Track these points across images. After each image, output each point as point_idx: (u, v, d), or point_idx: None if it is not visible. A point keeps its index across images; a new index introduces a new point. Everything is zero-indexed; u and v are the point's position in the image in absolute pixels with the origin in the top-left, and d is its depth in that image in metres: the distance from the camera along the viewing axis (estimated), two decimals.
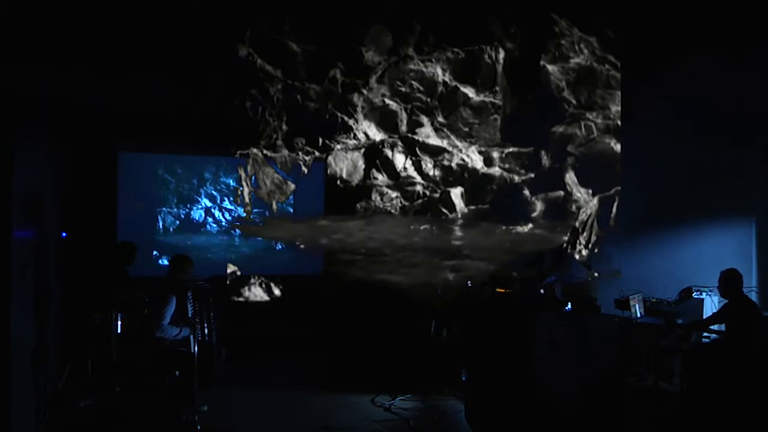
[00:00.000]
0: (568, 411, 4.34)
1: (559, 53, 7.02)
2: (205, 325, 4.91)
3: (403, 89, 7.20)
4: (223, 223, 8.43)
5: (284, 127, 7.20)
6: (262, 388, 5.95)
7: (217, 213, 8.38)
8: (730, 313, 4.81)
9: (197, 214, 8.27)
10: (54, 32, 4.57)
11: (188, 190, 8.20)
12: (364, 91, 7.08)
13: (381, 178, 7.76)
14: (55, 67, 5.20)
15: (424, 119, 7.43)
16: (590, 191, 7.31)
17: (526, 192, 7.43)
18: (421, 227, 7.32)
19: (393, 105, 7.31)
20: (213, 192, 8.39)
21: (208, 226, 8.34)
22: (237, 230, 8.36)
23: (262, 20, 5.76)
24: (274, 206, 8.08)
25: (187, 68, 5.52)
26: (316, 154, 7.61)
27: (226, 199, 8.34)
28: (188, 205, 8.22)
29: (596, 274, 6.54)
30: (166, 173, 8.07)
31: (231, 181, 8.25)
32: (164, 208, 8.07)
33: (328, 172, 7.86)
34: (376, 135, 7.49)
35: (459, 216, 7.47)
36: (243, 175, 7.90)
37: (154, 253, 7.88)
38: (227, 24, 4.98)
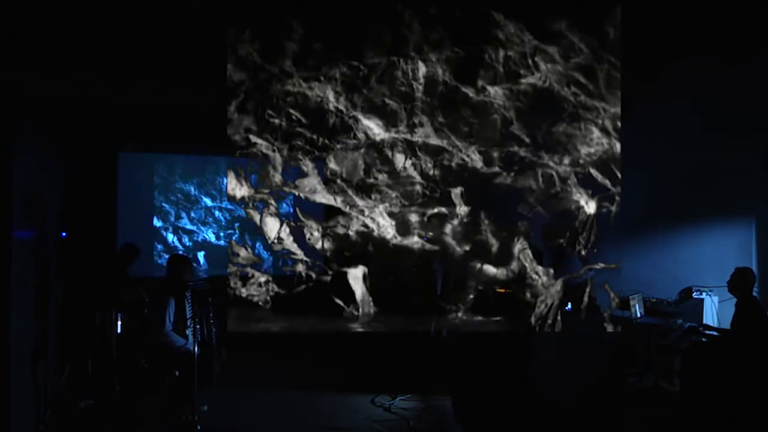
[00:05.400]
0: (567, 411, 4.34)
1: (560, 53, 6.90)
2: (205, 325, 4.91)
3: (403, 89, 7.10)
4: (223, 223, 8.43)
5: (284, 126, 7.19)
6: (262, 388, 5.95)
7: (217, 213, 8.39)
8: (736, 312, 4.81)
9: (197, 213, 8.27)
10: (54, 32, 4.57)
11: (188, 190, 8.21)
12: (364, 91, 7.02)
13: (381, 178, 7.70)
14: (55, 67, 5.20)
15: (424, 119, 7.35)
16: (590, 191, 7.25)
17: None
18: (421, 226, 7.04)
19: (393, 105, 7.23)
20: (213, 192, 8.39)
21: (208, 226, 8.35)
22: (237, 230, 8.36)
23: (262, 19, 5.75)
24: (274, 205, 8.06)
25: (186, 68, 5.52)
26: (316, 153, 7.60)
27: (225, 198, 8.35)
28: (188, 205, 8.22)
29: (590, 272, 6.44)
30: (166, 173, 8.07)
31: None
32: (164, 208, 8.07)
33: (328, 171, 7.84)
34: (376, 135, 7.45)
35: (459, 215, 7.28)
36: (242, 175, 7.88)
37: (154, 252, 7.89)
38: (227, 23, 4.98)
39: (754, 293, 4.94)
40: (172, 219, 8.12)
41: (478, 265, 5.15)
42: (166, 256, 7.78)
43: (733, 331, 4.81)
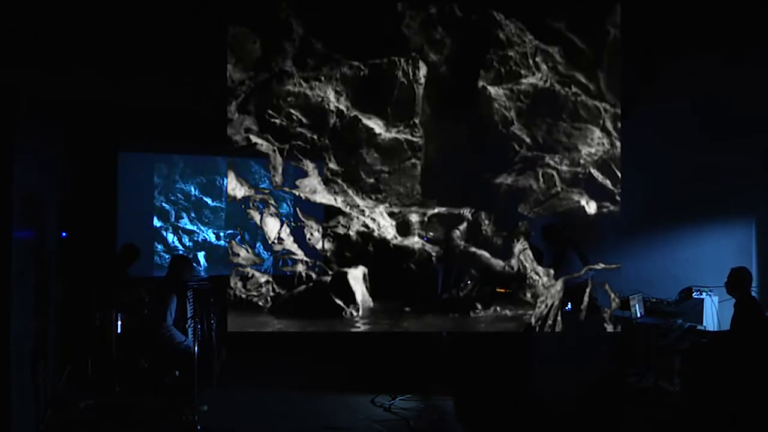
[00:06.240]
0: (567, 411, 4.34)
1: (560, 53, 6.80)
2: (206, 324, 4.92)
3: (403, 89, 6.98)
4: (224, 223, 8.43)
5: (284, 125, 7.15)
6: (262, 388, 5.96)
7: (218, 213, 8.39)
8: (736, 312, 4.81)
9: (197, 213, 8.27)
10: (54, 32, 4.57)
11: (188, 190, 8.21)
12: (365, 91, 6.96)
13: (381, 178, 7.63)
14: (55, 67, 5.20)
15: (425, 119, 7.27)
16: (590, 191, 7.21)
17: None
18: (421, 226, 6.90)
19: (393, 105, 7.13)
20: (212, 191, 8.39)
21: (208, 226, 8.35)
22: (238, 230, 8.36)
23: (262, 19, 5.73)
24: (274, 205, 8.05)
25: (186, 68, 5.51)
26: (316, 153, 7.56)
27: (224, 199, 8.34)
28: (188, 205, 8.22)
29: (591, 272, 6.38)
30: (166, 173, 8.07)
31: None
32: (164, 208, 8.07)
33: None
34: (377, 134, 7.39)
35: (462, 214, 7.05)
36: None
37: (155, 252, 7.89)
38: (227, 23, 4.97)
39: (754, 293, 4.95)
40: (172, 219, 8.12)
41: (472, 249, 5.10)
42: (167, 256, 7.80)
43: (733, 331, 4.81)
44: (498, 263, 5.03)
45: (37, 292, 4.61)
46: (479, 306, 4.84)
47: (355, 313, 4.77)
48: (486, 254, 5.08)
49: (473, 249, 5.13)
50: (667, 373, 5.74)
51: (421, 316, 4.81)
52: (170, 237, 8.06)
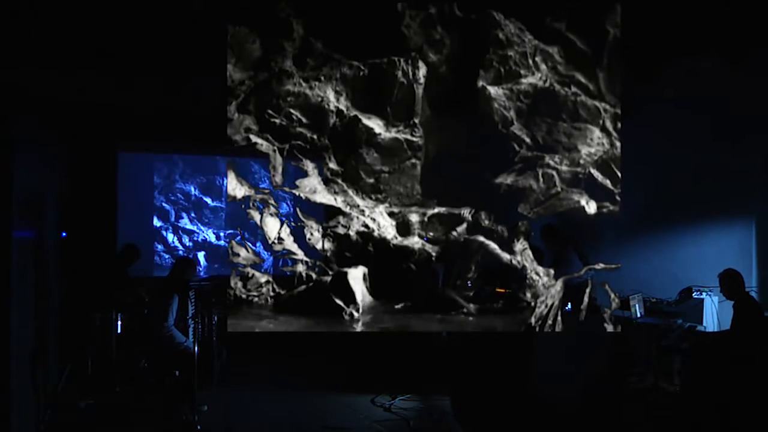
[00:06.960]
0: (567, 411, 4.35)
1: (560, 53, 6.74)
2: (207, 324, 4.92)
3: (403, 88, 6.95)
4: (224, 223, 8.42)
5: (284, 125, 7.14)
6: (262, 388, 5.96)
7: (218, 213, 8.38)
8: (735, 312, 4.81)
9: (197, 213, 8.27)
10: (54, 32, 4.57)
11: (188, 190, 8.21)
12: (364, 91, 6.93)
13: (381, 178, 7.62)
14: (54, 67, 5.20)
15: (424, 119, 7.24)
16: (590, 191, 7.19)
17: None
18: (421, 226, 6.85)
19: (393, 105, 7.11)
20: (212, 191, 8.38)
21: (208, 226, 8.34)
22: (238, 230, 8.35)
23: (262, 19, 5.72)
24: (274, 205, 8.05)
25: (186, 68, 5.52)
26: (316, 153, 7.55)
27: (224, 198, 8.34)
28: (188, 205, 8.22)
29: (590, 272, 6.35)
30: (166, 173, 8.07)
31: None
32: (164, 208, 8.07)
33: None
34: (377, 134, 7.37)
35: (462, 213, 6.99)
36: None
37: (154, 252, 7.89)
38: (227, 23, 4.97)
39: (753, 293, 4.94)
40: (172, 219, 8.12)
41: (480, 238, 5.07)
42: (167, 256, 7.79)
43: (733, 332, 4.81)
44: (505, 256, 5.03)
45: (37, 292, 4.61)
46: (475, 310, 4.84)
47: (355, 313, 4.77)
48: (494, 245, 5.08)
49: (481, 238, 5.11)
50: (667, 373, 5.74)
51: (421, 316, 4.81)
52: (170, 237, 8.05)
